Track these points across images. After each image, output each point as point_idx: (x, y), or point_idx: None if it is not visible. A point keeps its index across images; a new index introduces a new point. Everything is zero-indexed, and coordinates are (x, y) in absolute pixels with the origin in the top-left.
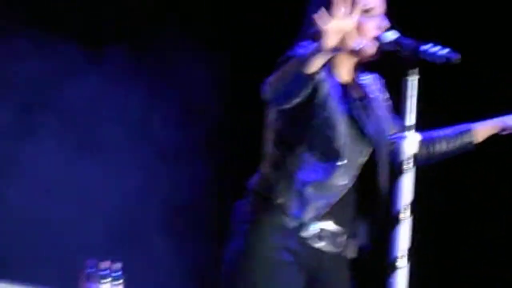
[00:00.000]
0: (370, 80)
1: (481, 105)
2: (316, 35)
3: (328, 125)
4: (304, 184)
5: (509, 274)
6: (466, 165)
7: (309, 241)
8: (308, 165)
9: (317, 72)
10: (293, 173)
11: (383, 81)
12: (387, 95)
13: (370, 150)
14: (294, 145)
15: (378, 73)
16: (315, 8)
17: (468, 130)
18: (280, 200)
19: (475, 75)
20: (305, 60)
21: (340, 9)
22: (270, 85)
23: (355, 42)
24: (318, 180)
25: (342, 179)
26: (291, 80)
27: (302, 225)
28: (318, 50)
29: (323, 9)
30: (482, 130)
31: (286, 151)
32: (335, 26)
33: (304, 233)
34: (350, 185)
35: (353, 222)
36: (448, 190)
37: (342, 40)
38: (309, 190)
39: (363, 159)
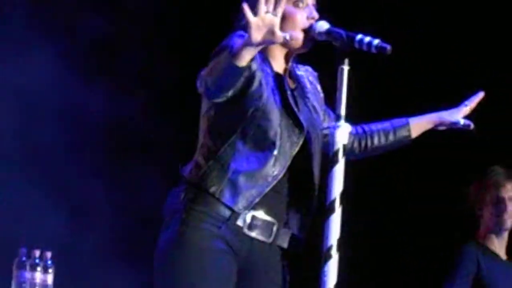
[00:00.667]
0: (304, 72)
1: (418, 99)
2: (246, 27)
3: (262, 115)
4: (237, 173)
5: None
6: (399, 158)
7: (242, 230)
8: (241, 154)
9: (248, 65)
10: (226, 162)
11: (317, 73)
12: (320, 87)
13: (303, 140)
14: (227, 134)
15: (312, 65)
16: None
17: (405, 124)
18: (212, 189)
19: (411, 68)
20: (235, 52)
21: (262, 5)
22: (204, 78)
23: (283, 34)
24: (251, 170)
25: (275, 169)
26: (223, 72)
27: (235, 214)
28: (246, 43)
29: (245, 3)
30: (419, 124)
31: (219, 140)
32: (259, 20)
33: (237, 222)
34: (282, 175)
35: (286, 212)
36: (380, 182)
37: (270, 33)
38: (242, 179)
39: (296, 149)
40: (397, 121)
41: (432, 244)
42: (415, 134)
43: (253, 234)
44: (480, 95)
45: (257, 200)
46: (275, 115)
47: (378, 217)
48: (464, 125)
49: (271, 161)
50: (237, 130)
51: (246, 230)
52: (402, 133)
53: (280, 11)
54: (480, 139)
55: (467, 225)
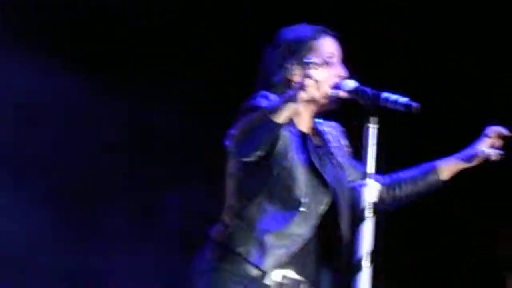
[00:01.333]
0: (330, 128)
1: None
2: (284, 85)
3: (289, 175)
4: (264, 232)
5: None
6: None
7: None
8: (268, 214)
9: (286, 122)
10: (252, 222)
11: (343, 128)
12: (347, 142)
13: (330, 199)
14: (254, 194)
15: (339, 121)
16: (278, 58)
17: (433, 168)
18: (239, 249)
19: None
20: (275, 110)
21: (319, 62)
22: (236, 137)
23: (329, 92)
24: (278, 229)
25: (302, 228)
26: (260, 130)
27: (264, 273)
28: (291, 100)
29: (310, 62)
30: (447, 166)
31: (246, 200)
32: (315, 78)
33: (265, 281)
34: (310, 234)
35: (315, 271)
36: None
37: (315, 90)
38: (269, 239)
39: (323, 208)
40: (425, 166)
41: None
42: (446, 177)
43: None
44: (503, 131)
45: (285, 259)
46: (301, 175)
47: (408, 270)
48: (488, 154)
49: (298, 220)
50: (263, 189)
51: None
52: (432, 178)
53: (326, 73)
54: None
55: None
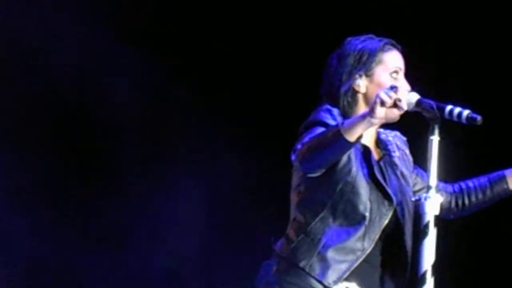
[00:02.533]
0: (392, 137)
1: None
2: (350, 95)
3: (351, 189)
4: (327, 247)
5: None
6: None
7: None
8: (331, 228)
9: (359, 140)
10: (316, 236)
11: (405, 138)
12: (408, 151)
13: (393, 212)
14: (317, 209)
15: (401, 131)
16: (345, 68)
17: (502, 177)
18: (302, 263)
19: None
20: (348, 128)
21: (401, 87)
22: (305, 153)
23: (402, 108)
24: (340, 244)
25: (365, 242)
26: (331, 147)
27: (327, 286)
28: (366, 120)
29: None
30: None
31: (309, 214)
32: (397, 99)
33: None
34: (372, 248)
35: (379, 284)
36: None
37: (391, 109)
38: (331, 254)
39: (386, 221)
40: (494, 175)
41: None
42: None
43: None
44: None
45: (347, 274)
46: (364, 189)
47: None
48: None
49: (361, 235)
50: (327, 204)
51: None
52: (500, 187)
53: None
54: None
55: None
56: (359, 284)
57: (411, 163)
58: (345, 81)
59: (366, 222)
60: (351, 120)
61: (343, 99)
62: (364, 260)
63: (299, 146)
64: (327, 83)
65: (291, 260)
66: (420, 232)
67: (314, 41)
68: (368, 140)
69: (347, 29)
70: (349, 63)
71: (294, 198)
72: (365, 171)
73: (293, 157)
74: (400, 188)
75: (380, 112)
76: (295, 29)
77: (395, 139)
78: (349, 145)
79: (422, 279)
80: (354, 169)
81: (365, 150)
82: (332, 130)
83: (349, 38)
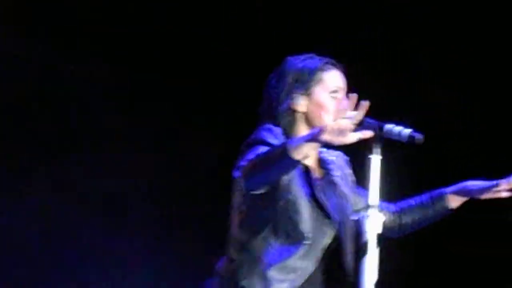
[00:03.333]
0: (333, 157)
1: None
2: (289, 114)
3: (293, 208)
4: (268, 266)
5: None
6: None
7: None
8: (272, 247)
9: (305, 159)
10: (257, 255)
11: (347, 157)
12: (351, 171)
13: (334, 231)
14: (259, 228)
15: (342, 151)
16: (284, 87)
17: (442, 195)
18: (244, 283)
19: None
20: (295, 147)
21: (342, 112)
22: (250, 170)
23: (355, 137)
24: (281, 262)
25: (306, 261)
26: (276, 165)
27: None
28: (312, 140)
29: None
30: (456, 194)
31: (251, 234)
32: (336, 125)
33: None
34: (313, 267)
35: None
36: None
37: (341, 135)
38: (273, 273)
39: (327, 240)
40: (434, 194)
41: None
42: (454, 205)
43: None
44: None
45: None
46: (305, 208)
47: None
48: (497, 185)
49: (302, 254)
50: (268, 223)
51: None
52: (441, 205)
53: (357, 120)
54: None
55: None
56: None
57: (353, 183)
58: (284, 100)
59: (308, 241)
60: (298, 139)
61: (282, 118)
62: (305, 280)
63: (243, 163)
64: (266, 102)
65: (233, 279)
66: (361, 251)
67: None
68: (310, 159)
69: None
70: (288, 82)
71: (235, 217)
72: (306, 190)
73: (236, 174)
74: (340, 207)
75: (327, 136)
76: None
77: (338, 159)
78: (295, 163)
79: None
80: (295, 187)
81: (306, 169)
82: (279, 148)
83: (288, 57)
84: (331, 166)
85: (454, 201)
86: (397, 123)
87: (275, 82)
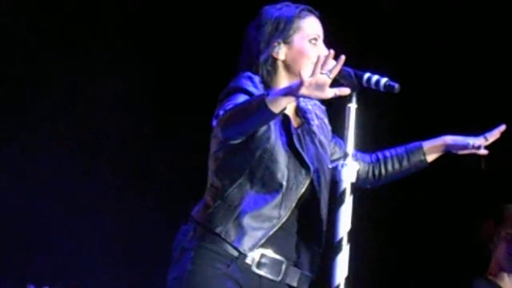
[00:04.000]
0: (311, 106)
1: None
2: (269, 63)
3: (270, 157)
4: (243, 214)
5: None
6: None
7: (250, 268)
8: (248, 195)
9: (282, 111)
10: (233, 203)
11: (324, 107)
12: (327, 120)
13: (310, 180)
14: (235, 175)
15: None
16: (263, 37)
17: (419, 148)
18: (218, 229)
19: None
20: (273, 100)
21: (319, 66)
22: (227, 120)
23: (332, 92)
24: (257, 211)
25: (281, 210)
26: (254, 117)
27: (243, 252)
28: (290, 93)
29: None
30: (432, 147)
31: (227, 181)
32: (313, 80)
33: (245, 260)
34: (289, 215)
35: (295, 251)
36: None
37: (319, 90)
38: (247, 220)
39: (302, 190)
40: (411, 146)
41: (440, 278)
42: (431, 158)
43: (262, 272)
44: (501, 127)
45: (262, 241)
46: (283, 157)
47: (385, 253)
48: (474, 146)
49: (278, 203)
50: (245, 171)
51: (254, 269)
52: (417, 157)
53: (334, 74)
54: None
55: (476, 260)
56: (274, 251)
57: (330, 132)
58: (264, 49)
59: (283, 190)
60: (277, 92)
61: (262, 67)
62: (280, 228)
63: (221, 112)
64: (246, 53)
65: (207, 226)
66: (336, 200)
67: None
68: (288, 108)
69: None
70: (266, 32)
71: (211, 164)
72: (284, 139)
73: (214, 123)
74: (318, 156)
75: (305, 90)
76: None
77: (314, 107)
78: (273, 116)
79: (338, 246)
80: (273, 136)
81: (285, 118)
82: (257, 100)
83: (266, 7)
84: (308, 115)
85: (430, 155)
86: (374, 72)
87: (254, 32)
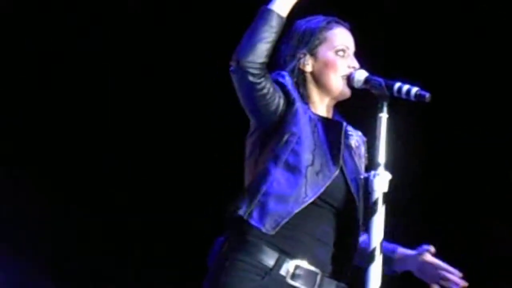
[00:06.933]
0: (354, 134)
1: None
2: (295, 75)
3: (297, 141)
4: (267, 195)
5: None
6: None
7: (285, 280)
8: (272, 177)
9: (286, 13)
10: (258, 185)
11: (365, 139)
12: (365, 152)
13: (338, 173)
14: (264, 161)
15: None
16: (291, 49)
17: (389, 255)
18: (241, 211)
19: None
20: (277, 2)
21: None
22: (240, 44)
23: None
24: (280, 191)
25: (306, 192)
26: (263, 27)
27: (278, 263)
28: None
29: None
30: (402, 258)
31: (258, 170)
32: None
33: (280, 271)
34: (309, 201)
35: (330, 262)
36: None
37: None
38: (271, 202)
39: (328, 182)
40: (389, 246)
41: None
42: (400, 270)
43: (297, 284)
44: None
45: (285, 220)
46: (309, 143)
47: None
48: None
49: (302, 184)
50: (270, 155)
51: (289, 280)
52: (387, 258)
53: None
54: None
55: None
56: (309, 262)
57: (364, 165)
58: (289, 61)
59: (308, 174)
60: None
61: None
62: (316, 238)
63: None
64: (275, 65)
65: (235, 212)
66: (370, 209)
67: None
68: (325, 115)
69: None
70: (293, 44)
71: (250, 165)
72: (321, 131)
73: (232, 67)
74: (355, 167)
75: None
76: None
77: (357, 137)
78: (280, 19)
79: (371, 256)
80: (302, 121)
81: (326, 120)
82: (261, 11)
83: (297, 21)
84: (350, 133)
85: (400, 264)
86: (404, 82)
87: (282, 46)
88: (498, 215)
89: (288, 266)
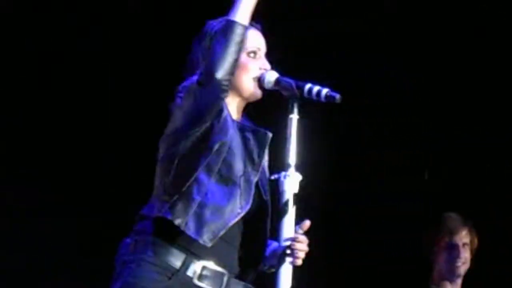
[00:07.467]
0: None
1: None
2: None
3: (228, 150)
4: (202, 206)
5: None
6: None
7: (192, 281)
8: (206, 188)
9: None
10: (191, 196)
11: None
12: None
13: (258, 180)
14: (193, 169)
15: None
16: (203, 50)
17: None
18: (178, 221)
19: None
20: (236, 13)
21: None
22: (215, 60)
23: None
24: (216, 203)
25: (241, 205)
26: (232, 41)
27: (185, 264)
28: None
29: None
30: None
31: (185, 176)
32: None
33: (187, 272)
34: (244, 212)
35: (237, 263)
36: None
37: None
38: (207, 212)
39: (254, 189)
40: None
41: None
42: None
43: (203, 285)
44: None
45: (222, 232)
46: (239, 151)
47: (327, 266)
48: None
49: (237, 195)
50: (202, 165)
51: (196, 281)
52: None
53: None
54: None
55: (421, 271)
56: (216, 263)
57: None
58: (202, 62)
59: (242, 183)
60: (235, 7)
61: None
62: (223, 238)
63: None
64: (189, 67)
65: (166, 219)
66: (280, 210)
67: None
68: (236, 117)
69: None
70: (205, 46)
71: (163, 164)
72: (239, 138)
73: (203, 80)
74: (263, 171)
75: None
76: None
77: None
78: (245, 30)
79: (281, 257)
80: (231, 130)
81: (238, 124)
82: (229, 25)
83: (209, 21)
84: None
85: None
86: (315, 83)
87: (196, 45)
88: (498, 215)
89: (195, 267)
